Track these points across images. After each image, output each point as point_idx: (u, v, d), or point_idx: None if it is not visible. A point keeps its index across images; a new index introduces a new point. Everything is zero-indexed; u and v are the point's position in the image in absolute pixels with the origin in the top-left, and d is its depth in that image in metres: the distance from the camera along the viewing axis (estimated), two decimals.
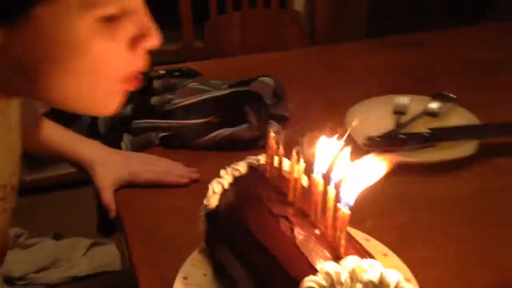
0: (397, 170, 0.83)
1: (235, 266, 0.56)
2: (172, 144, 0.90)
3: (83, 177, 0.83)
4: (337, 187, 0.50)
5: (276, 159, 0.58)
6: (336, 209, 0.49)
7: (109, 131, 0.90)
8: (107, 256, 1.54)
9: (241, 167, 0.61)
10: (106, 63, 0.47)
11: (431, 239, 0.71)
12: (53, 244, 1.56)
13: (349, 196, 0.48)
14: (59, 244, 1.56)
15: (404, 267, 0.62)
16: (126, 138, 0.88)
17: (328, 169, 0.52)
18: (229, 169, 0.61)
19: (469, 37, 1.46)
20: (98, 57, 0.46)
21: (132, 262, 0.67)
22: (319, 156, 0.53)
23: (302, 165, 0.54)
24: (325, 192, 0.51)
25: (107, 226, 0.85)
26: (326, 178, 0.51)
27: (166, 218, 0.75)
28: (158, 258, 0.67)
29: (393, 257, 0.64)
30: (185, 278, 0.61)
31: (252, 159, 0.61)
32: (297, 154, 0.55)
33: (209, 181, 0.62)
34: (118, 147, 0.87)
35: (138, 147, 0.88)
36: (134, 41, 0.48)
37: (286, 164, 0.59)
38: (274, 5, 1.64)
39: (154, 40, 0.49)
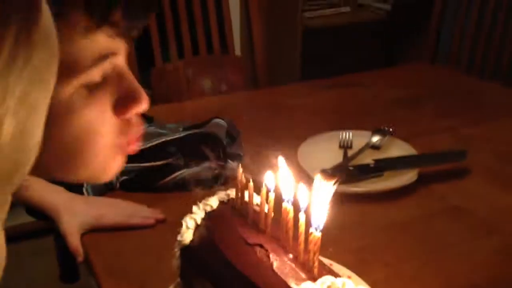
0: (349, 200, 0.91)
1: None
2: (133, 187, 0.92)
3: (29, 229, 0.82)
4: (306, 213, 0.54)
5: (246, 192, 0.62)
6: (308, 234, 0.54)
7: None
8: None
9: (212, 202, 0.64)
10: (93, 131, 0.44)
11: (386, 260, 0.77)
12: None
13: (318, 220, 0.53)
14: None
15: (367, 286, 0.67)
16: (87, 184, 0.88)
17: (294, 198, 0.57)
18: (201, 205, 0.64)
19: (394, 76, 1.60)
20: (85, 125, 0.44)
21: None
22: (284, 187, 0.58)
23: (271, 196, 0.59)
24: (295, 219, 0.56)
25: (71, 274, 0.84)
26: (295, 206, 0.56)
27: (135, 258, 0.76)
28: None
29: (356, 278, 0.69)
30: None
31: (222, 194, 0.65)
32: (266, 186, 0.59)
33: (172, 220, 0.65)
34: (80, 192, 0.87)
35: (100, 192, 0.89)
36: (121, 106, 0.46)
37: (255, 197, 0.63)
38: (216, 51, 1.71)
39: (141, 104, 0.47)
